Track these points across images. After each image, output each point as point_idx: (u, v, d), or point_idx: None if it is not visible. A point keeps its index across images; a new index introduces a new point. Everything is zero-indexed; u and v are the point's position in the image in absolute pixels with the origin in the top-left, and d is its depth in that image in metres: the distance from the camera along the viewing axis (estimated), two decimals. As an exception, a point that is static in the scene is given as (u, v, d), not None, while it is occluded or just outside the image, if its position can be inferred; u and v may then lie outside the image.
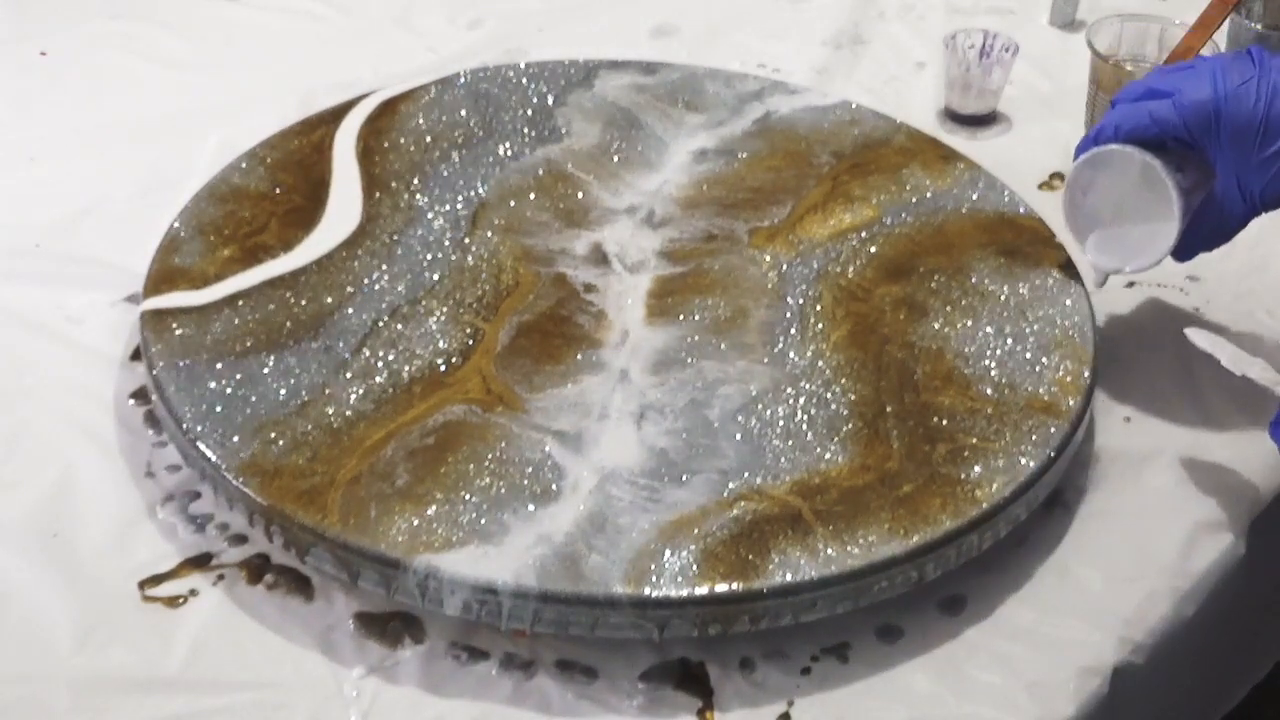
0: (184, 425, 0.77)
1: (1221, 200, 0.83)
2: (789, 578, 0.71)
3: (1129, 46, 1.04)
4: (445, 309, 0.86)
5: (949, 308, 0.87)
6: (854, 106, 1.05)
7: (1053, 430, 0.79)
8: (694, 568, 0.71)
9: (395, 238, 0.91)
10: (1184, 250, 0.85)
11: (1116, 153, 0.83)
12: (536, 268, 0.90)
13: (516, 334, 0.85)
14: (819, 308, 0.87)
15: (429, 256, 0.90)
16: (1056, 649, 0.73)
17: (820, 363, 0.83)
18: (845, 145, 1.01)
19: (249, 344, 0.82)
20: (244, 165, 0.96)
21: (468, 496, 0.74)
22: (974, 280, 0.89)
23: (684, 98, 1.06)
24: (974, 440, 0.78)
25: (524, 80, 1.06)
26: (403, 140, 1.00)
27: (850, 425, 0.79)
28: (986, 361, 0.84)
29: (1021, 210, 0.96)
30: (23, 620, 0.72)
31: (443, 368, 0.82)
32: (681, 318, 0.86)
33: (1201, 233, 0.85)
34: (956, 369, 0.83)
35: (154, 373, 0.80)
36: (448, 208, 0.94)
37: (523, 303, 0.87)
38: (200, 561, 0.75)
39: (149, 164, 1.03)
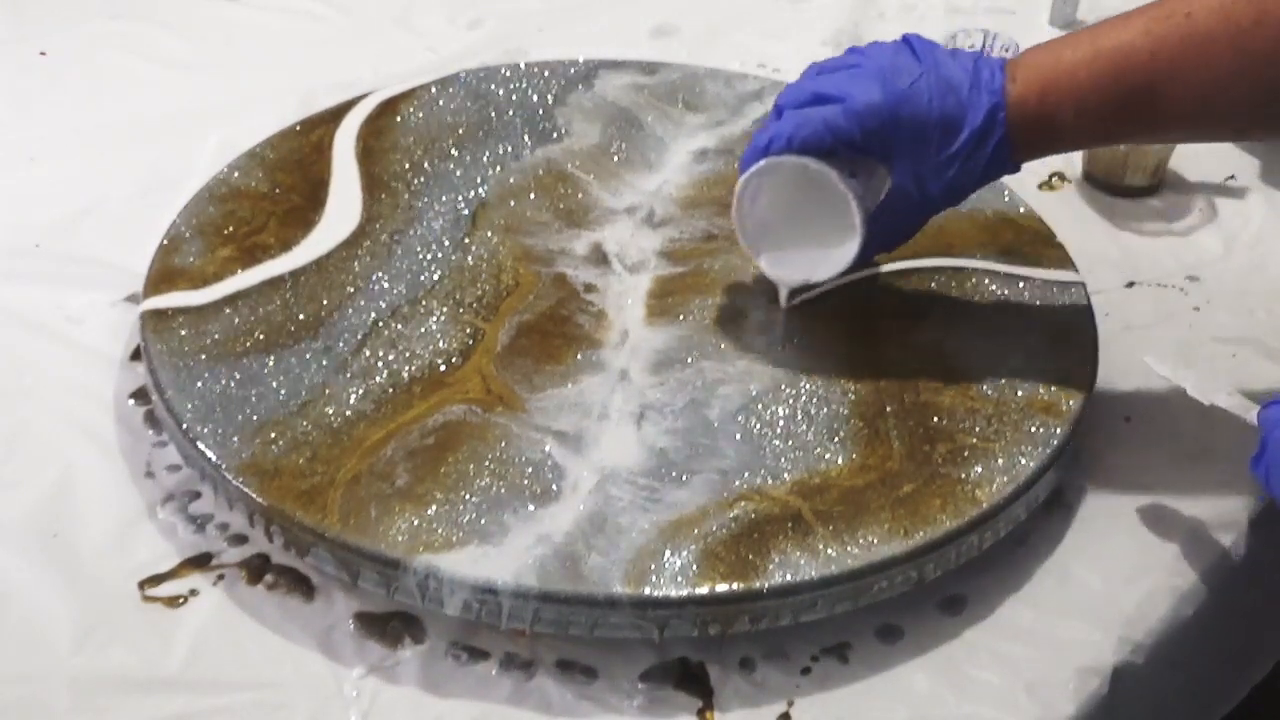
0: (184, 425, 0.77)
1: (900, 201, 0.80)
2: (789, 578, 0.71)
3: (1129, 46, 1.04)
4: (445, 309, 0.86)
5: (949, 308, 0.87)
6: (854, 106, 1.05)
7: (1053, 430, 0.79)
8: (694, 568, 0.71)
9: (395, 238, 0.91)
10: (863, 254, 0.81)
11: (789, 164, 0.79)
12: (536, 268, 0.90)
13: (516, 334, 0.85)
14: (819, 307, 0.87)
15: (429, 256, 0.90)
16: (1056, 649, 0.73)
17: (820, 363, 0.83)
18: (845, 145, 1.01)
19: (249, 344, 0.82)
20: (244, 165, 0.96)
21: (468, 496, 0.74)
22: (974, 280, 0.89)
23: (684, 98, 1.06)
24: (974, 440, 0.78)
25: (524, 80, 1.06)
26: (403, 140, 1.00)
27: (850, 425, 0.79)
28: (986, 361, 0.84)
29: (1021, 210, 0.96)
30: (23, 620, 0.72)
31: (443, 368, 0.82)
32: (681, 318, 0.86)
33: (881, 235, 0.82)
34: (956, 369, 0.83)
35: (154, 373, 0.80)
36: (448, 208, 0.94)
37: (523, 303, 0.87)
38: (200, 561, 0.75)
39: (149, 164, 1.03)
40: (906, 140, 0.77)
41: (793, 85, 0.81)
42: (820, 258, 0.82)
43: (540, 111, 1.04)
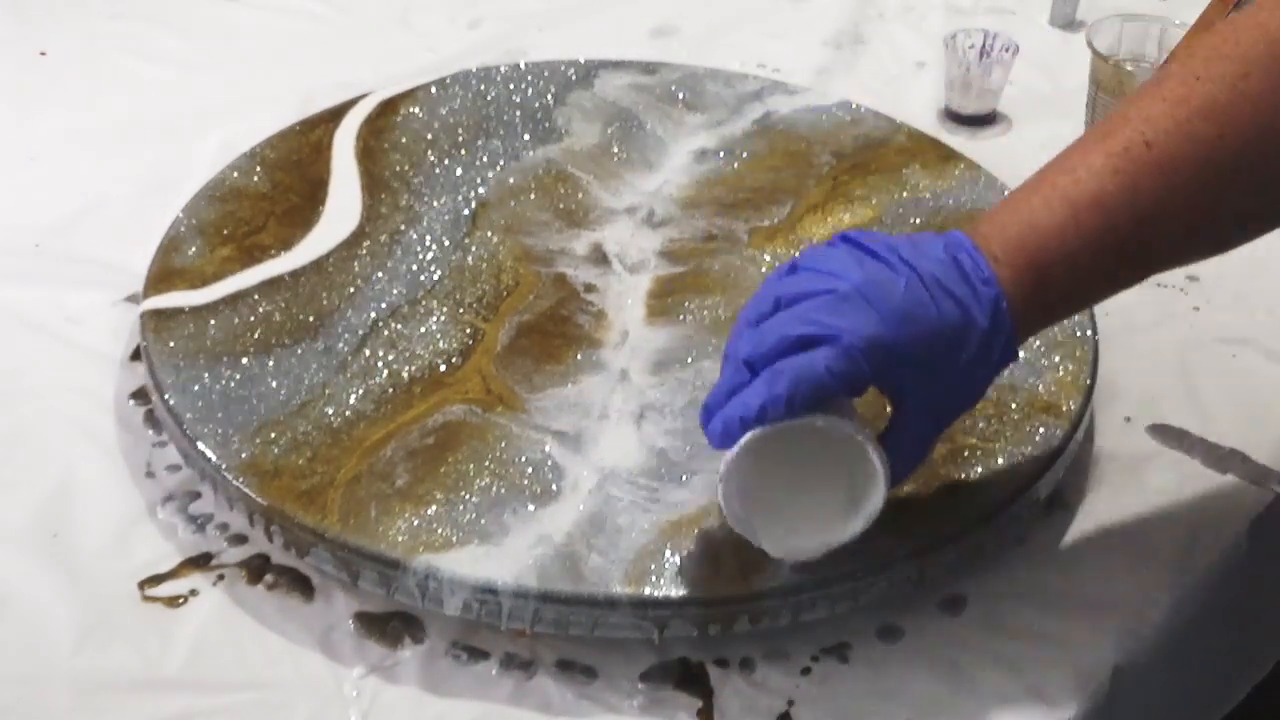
0: (184, 425, 0.77)
1: (911, 429, 0.68)
2: (789, 578, 0.71)
3: (1129, 46, 1.04)
4: (445, 309, 0.86)
5: (949, 308, 0.87)
6: (854, 106, 1.05)
7: (1053, 430, 0.79)
8: (694, 568, 0.71)
9: (395, 238, 0.91)
10: None
11: (793, 428, 0.65)
12: (536, 268, 0.90)
13: (516, 334, 0.85)
14: (819, 308, 0.87)
15: (429, 256, 0.90)
16: (1056, 649, 0.73)
17: (820, 363, 0.83)
18: (845, 145, 1.01)
19: (249, 344, 0.82)
20: (244, 165, 0.96)
21: (468, 496, 0.74)
22: (974, 280, 0.89)
23: (684, 98, 1.06)
24: (974, 440, 0.78)
25: (524, 80, 1.06)
26: (403, 140, 1.00)
27: (850, 425, 0.79)
28: (986, 361, 0.84)
29: (1021, 210, 0.95)
30: (23, 620, 0.72)
31: (443, 368, 0.82)
32: (681, 318, 0.86)
33: (895, 470, 0.67)
34: (956, 369, 0.83)
35: (154, 373, 0.80)
36: (448, 208, 0.94)
37: (523, 303, 0.87)
38: (200, 561, 0.75)
39: (149, 164, 1.03)
40: (917, 367, 0.65)
41: (753, 331, 0.66)
42: (833, 517, 0.68)
43: (540, 111, 1.04)
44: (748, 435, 0.65)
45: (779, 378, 0.64)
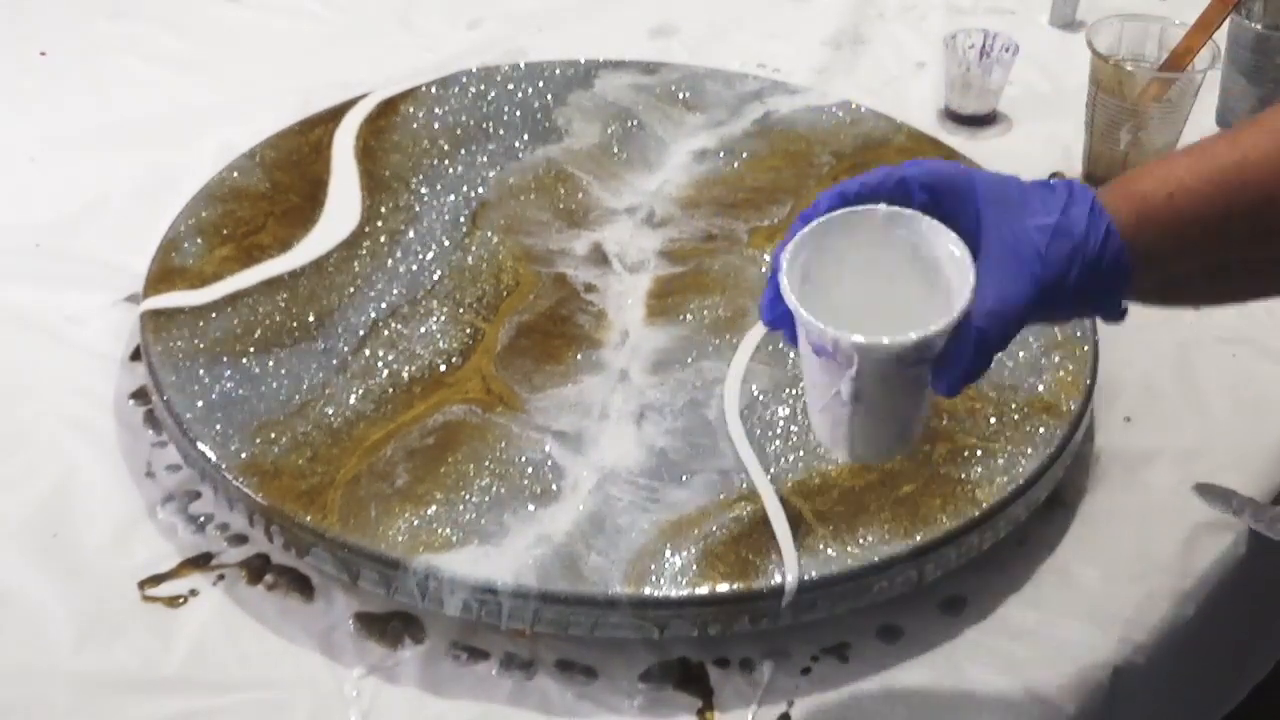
0: (184, 425, 0.77)
1: (998, 262, 0.59)
2: (789, 578, 0.71)
3: (1129, 46, 1.04)
4: (445, 309, 0.86)
5: (949, 308, 0.87)
6: (854, 106, 1.05)
7: (1053, 430, 0.79)
8: (694, 568, 0.71)
9: (395, 238, 0.91)
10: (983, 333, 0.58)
11: (855, 214, 0.59)
12: (536, 268, 0.90)
13: (516, 334, 0.85)
14: (819, 308, 0.87)
15: (429, 256, 0.90)
16: (1056, 649, 0.73)
17: (820, 363, 0.83)
18: (845, 145, 1.01)
19: (249, 344, 0.82)
20: (244, 165, 0.96)
21: (468, 496, 0.74)
22: (974, 280, 0.89)
23: (684, 98, 1.06)
24: (974, 440, 0.78)
25: (524, 80, 1.06)
26: (402, 140, 1.00)
27: (850, 425, 0.79)
28: (986, 361, 0.83)
29: (1021, 210, 0.95)
30: (23, 620, 0.72)
31: (443, 368, 0.82)
32: (681, 317, 0.86)
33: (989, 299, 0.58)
34: (956, 369, 0.83)
35: (154, 373, 0.80)
36: (448, 208, 0.94)
37: (523, 303, 0.87)
38: (200, 561, 0.75)
39: (149, 164, 1.03)
40: (987, 193, 0.60)
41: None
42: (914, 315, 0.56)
43: (540, 111, 1.04)
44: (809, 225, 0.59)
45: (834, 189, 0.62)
